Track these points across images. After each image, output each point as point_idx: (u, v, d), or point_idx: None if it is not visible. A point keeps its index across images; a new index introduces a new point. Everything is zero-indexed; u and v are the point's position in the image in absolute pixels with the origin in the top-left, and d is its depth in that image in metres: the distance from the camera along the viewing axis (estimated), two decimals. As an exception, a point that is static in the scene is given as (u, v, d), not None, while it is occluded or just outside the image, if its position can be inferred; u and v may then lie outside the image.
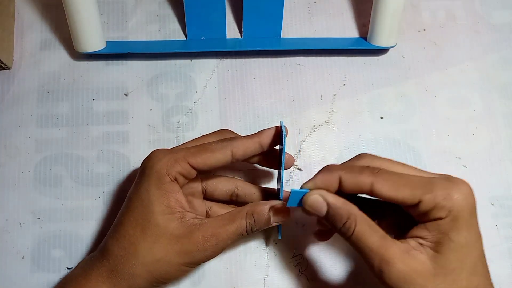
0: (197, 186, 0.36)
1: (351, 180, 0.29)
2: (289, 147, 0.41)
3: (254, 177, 0.40)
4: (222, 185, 0.36)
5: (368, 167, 0.29)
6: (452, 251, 0.27)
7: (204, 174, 0.36)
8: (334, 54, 0.43)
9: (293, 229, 0.39)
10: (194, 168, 0.32)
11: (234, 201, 0.37)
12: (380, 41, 0.41)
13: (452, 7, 0.46)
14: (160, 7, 0.44)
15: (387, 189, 0.28)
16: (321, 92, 0.42)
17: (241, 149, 0.32)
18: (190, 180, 0.33)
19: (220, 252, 0.32)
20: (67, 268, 0.37)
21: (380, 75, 0.43)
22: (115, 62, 0.42)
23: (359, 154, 0.32)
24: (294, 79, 0.43)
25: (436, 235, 0.27)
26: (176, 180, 0.32)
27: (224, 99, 0.42)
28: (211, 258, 0.32)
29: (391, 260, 0.27)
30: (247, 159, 0.35)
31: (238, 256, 0.38)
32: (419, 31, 0.45)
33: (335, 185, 0.29)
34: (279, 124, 0.32)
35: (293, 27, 0.44)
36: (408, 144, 0.41)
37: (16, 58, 0.42)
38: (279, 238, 0.36)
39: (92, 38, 0.40)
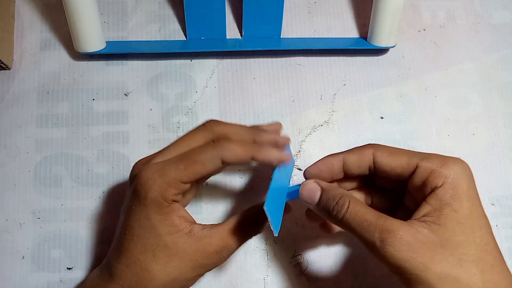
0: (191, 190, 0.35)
1: (354, 156, 0.31)
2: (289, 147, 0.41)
3: (254, 177, 0.40)
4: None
5: (369, 144, 0.31)
6: (457, 223, 0.26)
7: None
8: (334, 54, 0.43)
9: (293, 229, 0.39)
10: (184, 182, 0.30)
11: None
12: (380, 41, 0.41)
13: (452, 7, 0.46)
14: (160, 7, 0.44)
15: (387, 157, 0.29)
16: (321, 92, 0.42)
17: (231, 158, 0.30)
18: (188, 193, 0.33)
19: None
20: (67, 268, 0.37)
21: (380, 75, 0.43)
22: (115, 62, 0.42)
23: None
24: (294, 79, 0.43)
25: (438, 206, 0.26)
26: (173, 201, 0.30)
27: (224, 99, 0.42)
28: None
29: (393, 228, 0.26)
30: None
31: (238, 256, 0.38)
32: (419, 31, 0.45)
33: (337, 167, 0.31)
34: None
35: (293, 27, 0.44)
36: (408, 144, 0.41)
37: (16, 58, 0.42)
38: (276, 235, 0.32)
39: (92, 38, 0.40)
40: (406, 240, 0.25)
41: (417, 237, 0.26)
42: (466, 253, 0.25)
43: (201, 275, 0.31)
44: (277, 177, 0.31)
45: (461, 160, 0.28)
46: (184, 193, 0.32)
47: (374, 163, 0.30)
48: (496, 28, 0.45)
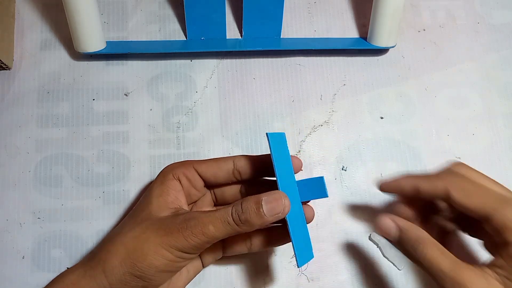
0: (207, 196, 0.35)
1: (427, 185, 0.30)
2: (289, 147, 0.41)
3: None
4: (229, 188, 0.35)
5: (448, 170, 0.30)
6: None
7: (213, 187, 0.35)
8: (334, 54, 0.43)
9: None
10: (199, 173, 0.33)
11: None
12: (380, 41, 0.41)
13: (452, 7, 0.46)
14: (160, 7, 0.44)
15: (461, 196, 0.28)
16: (321, 92, 0.42)
17: (243, 160, 0.33)
18: (195, 187, 0.33)
19: (206, 242, 0.29)
20: (67, 268, 0.37)
21: (380, 75, 0.43)
22: (115, 62, 0.42)
23: (454, 163, 0.32)
24: (294, 79, 0.43)
25: (510, 262, 0.26)
26: (179, 180, 0.32)
27: (224, 99, 0.42)
28: (196, 249, 0.29)
29: (464, 282, 0.26)
30: (253, 176, 0.34)
31: (238, 256, 0.38)
32: (419, 31, 0.45)
33: (408, 189, 0.31)
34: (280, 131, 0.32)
35: (293, 27, 0.44)
36: (408, 144, 0.41)
37: (16, 58, 0.42)
38: (299, 266, 0.31)
39: (92, 38, 0.40)
40: None
41: None
42: None
43: (164, 246, 0.28)
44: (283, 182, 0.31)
45: None
46: (197, 192, 0.33)
47: (447, 198, 0.29)
48: (496, 28, 0.45)
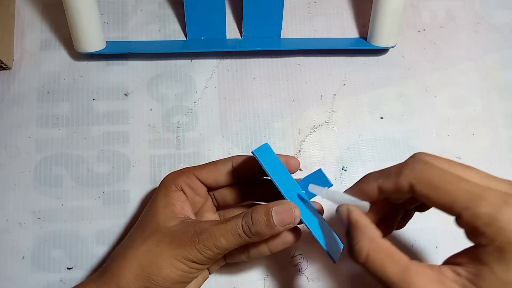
0: (208, 201, 0.35)
1: (389, 185, 0.26)
2: (290, 147, 0.41)
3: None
4: (230, 191, 0.35)
5: (410, 162, 0.26)
6: None
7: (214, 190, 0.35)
8: (334, 54, 0.43)
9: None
10: (200, 180, 0.33)
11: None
12: (380, 41, 0.41)
13: (452, 7, 0.46)
14: (160, 7, 0.44)
15: (427, 192, 0.24)
16: (321, 92, 0.42)
17: (240, 160, 0.33)
18: (199, 194, 0.33)
19: (218, 254, 0.29)
20: (67, 268, 0.37)
21: (380, 75, 0.43)
22: (115, 62, 0.42)
23: (417, 153, 0.27)
24: (294, 79, 0.43)
25: (476, 265, 0.23)
26: (182, 190, 0.33)
27: (224, 99, 0.42)
28: (209, 260, 0.29)
29: None
30: (253, 174, 0.34)
31: (238, 256, 0.38)
32: (419, 31, 0.45)
33: (373, 194, 0.28)
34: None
35: (293, 27, 0.44)
36: (408, 144, 0.41)
37: (16, 58, 0.42)
38: (335, 262, 0.30)
39: (92, 38, 0.40)
40: None
41: None
42: None
43: (177, 258, 0.29)
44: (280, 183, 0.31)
45: None
46: (198, 197, 0.33)
47: (413, 194, 0.25)
48: (496, 28, 0.45)
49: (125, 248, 0.31)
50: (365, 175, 0.29)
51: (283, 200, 0.30)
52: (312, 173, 0.32)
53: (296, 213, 0.29)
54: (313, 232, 0.30)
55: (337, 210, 0.29)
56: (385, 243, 0.25)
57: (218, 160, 0.34)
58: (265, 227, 0.29)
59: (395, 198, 0.29)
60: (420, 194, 0.25)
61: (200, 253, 0.29)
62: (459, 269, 0.23)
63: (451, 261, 0.24)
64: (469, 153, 0.42)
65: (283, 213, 0.29)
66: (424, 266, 0.24)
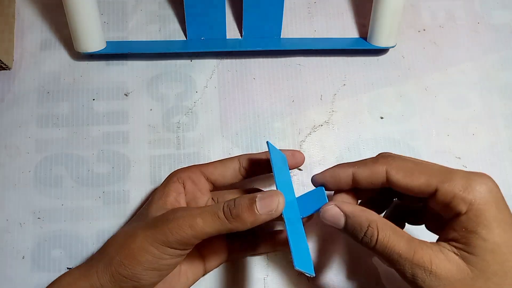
0: (208, 203, 0.35)
1: (365, 171, 0.28)
2: (289, 147, 0.41)
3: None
4: (231, 194, 0.34)
5: (382, 156, 0.29)
6: (488, 251, 0.24)
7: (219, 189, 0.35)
8: (334, 54, 0.43)
9: (293, 229, 0.39)
10: (207, 176, 0.33)
11: None
12: (380, 41, 0.41)
13: (452, 7, 0.46)
14: (160, 7, 0.44)
15: (402, 176, 0.26)
16: (321, 92, 0.42)
17: (247, 157, 0.34)
18: (201, 190, 0.33)
19: (192, 236, 0.27)
20: (67, 268, 0.37)
21: (380, 75, 0.43)
22: (115, 62, 0.42)
23: (378, 154, 0.30)
24: (294, 79, 0.43)
25: (465, 234, 0.25)
26: (183, 183, 0.33)
27: (224, 99, 0.42)
28: (182, 243, 0.27)
29: (424, 263, 0.24)
30: (257, 172, 0.34)
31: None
32: (419, 31, 0.45)
33: (345, 180, 0.29)
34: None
35: (293, 27, 0.44)
36: (408, 144, 0.41)
37: (16, 58, 0.42)
38: (296, 267, 0.27)
39: (92, 38, 0.40)
40: (438, 276, 0.24)
41: (448, 269, 0.24)
42: (500, 283, 0.24)
43: (150, 240, 0.27)
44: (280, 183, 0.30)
45: (487, 177, 0.26)
46: (200, 196, 0.33)
47: (388, 181, 0.28)
48: (496, 28, 0.45)
49: (111, 239, 0.31)
50: (338, 164, 0.30)
51: (270, 189, 0.29)
52: (313, 191, 0.31)
53: (280, 200, 0.27)
54: (287, 230, 0.28)
55: (323, 211, 0.29)
56: (387, 220, 0.27)
57: (226, 158, 0.34)
58: (246, 211, 0.27)
59: (365, 188, 0.30)
60: (395, 179, 0.27)
61: (171, 232, 0.27)
62: (452, 243, 0.25)
63: (443, 238, 0.26)
64: (469, 153, 0.42)
65: (267, 198, 0.27)
66: (424, 241, 0.26)
